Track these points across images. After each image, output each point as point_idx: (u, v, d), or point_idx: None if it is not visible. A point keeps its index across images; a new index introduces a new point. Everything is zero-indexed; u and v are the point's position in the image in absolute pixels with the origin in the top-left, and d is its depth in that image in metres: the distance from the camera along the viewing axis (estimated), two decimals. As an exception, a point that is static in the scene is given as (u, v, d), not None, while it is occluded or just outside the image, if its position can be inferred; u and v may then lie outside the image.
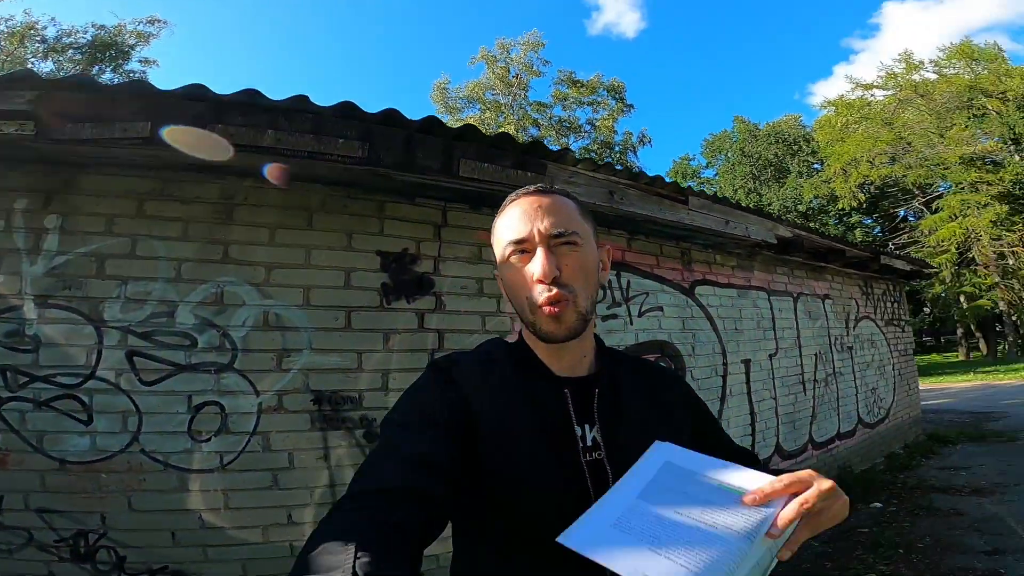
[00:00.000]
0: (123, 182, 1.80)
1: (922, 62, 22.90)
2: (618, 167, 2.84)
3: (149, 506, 1.67)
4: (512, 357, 0.74)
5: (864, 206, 24.39)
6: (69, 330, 1.67)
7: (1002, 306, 20.30)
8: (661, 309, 3.45)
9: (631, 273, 3.30)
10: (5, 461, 1.61)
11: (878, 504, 3.97)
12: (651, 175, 3.06)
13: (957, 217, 20.10)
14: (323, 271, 2.07)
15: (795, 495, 0.52)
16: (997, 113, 20.57)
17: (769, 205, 26.07)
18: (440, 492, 0.58)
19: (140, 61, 17.80)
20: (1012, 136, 20.58)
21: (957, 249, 20.25)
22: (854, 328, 5.81)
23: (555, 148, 2.55)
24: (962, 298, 21.39)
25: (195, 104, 1.63)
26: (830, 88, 65.23)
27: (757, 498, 0.52)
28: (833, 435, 4.94)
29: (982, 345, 23.74)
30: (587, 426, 0.69)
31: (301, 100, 1.75)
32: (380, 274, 2.19)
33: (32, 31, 16.27)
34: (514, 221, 0.71)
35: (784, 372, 4.48)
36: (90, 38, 16.96)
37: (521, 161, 2.32)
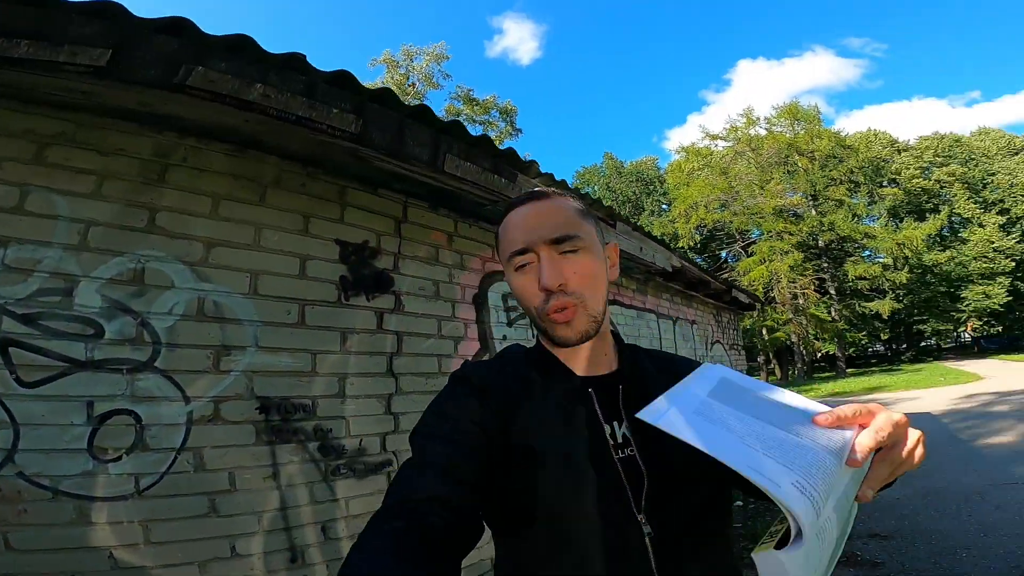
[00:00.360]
0: (22, 119, 1.31)
1: (759, 118, 27.83)
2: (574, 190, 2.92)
3: (33, 545, 1.20)
4: (532, 362, 0.74)
5: (698, 246, 28.62)
6: None
7: (794, 338, 25.19)
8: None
9: None
10: None
11: (739, 503, 4.60)
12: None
13: (765, 261, 24.59)
14: (274, 256, 1.73)
15: (864, 427, 0.49)
16: (805, 171, 25.80)
17: (627, 237, 29.13)
18: (472, 501, 0.59)
19: None
20: (813, 192, 25.97)
21: (764, 289, 24.74)
22: (710, 350, 6.74)
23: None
24: (764, 330, 26.06)
25: (171, 40, 1.26)
26: (683, 135, 75.96)
27: (830, 419, 0.48)
28: None
29: (777, 370, 29.18)
30: (615, 423, 0.69)
31: (298, 58, 1.47)
32: (339, 265, 1.91)
33: None
34: (514, 230, 0.70)
35: None
36: None
37: (496, 166, 2.25)
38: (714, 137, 28.09)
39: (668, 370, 0.76)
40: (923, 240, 26.04)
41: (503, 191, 2.27)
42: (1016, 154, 34.24)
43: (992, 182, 33.32)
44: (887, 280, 25.98)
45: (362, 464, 1.83)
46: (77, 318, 1.34)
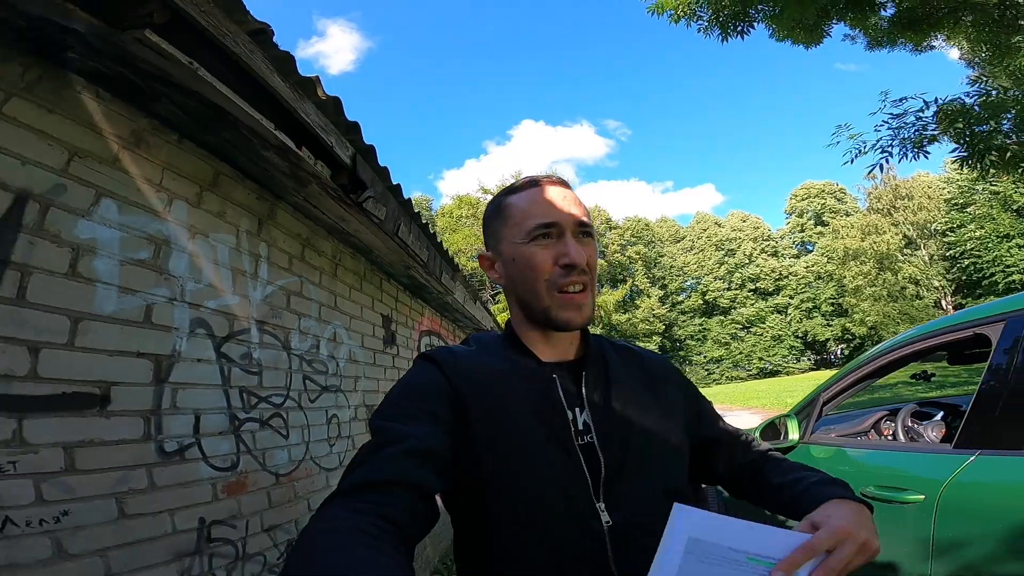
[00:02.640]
0: (294, 223, 2.28)
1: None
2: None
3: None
4: (500, 345, 0.79)
5: (459, 287, 32.57)
6: (275, 355, 2.02)
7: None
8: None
9: (439, 338, 4.97)
10: (245, 484, 1.74)
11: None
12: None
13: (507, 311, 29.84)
14: (365, 323, 2.92)
15: (829, 551, 0.53)
16: None
17: (393, 269, 31.14)
18: (432, 482, 0.61)
19: None
20: None
21: (507, 331, 29.78)
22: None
23: None
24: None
25: (394, 201, 2.53)
26: (459, 176, 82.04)
27: (785, 571, 0.51)
28: None
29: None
30: (577, 410, 0.72)
31: (440, 247, 2.81)
32: (381, 329, 3.17)
33: None
34: (542, 203, 0.75)
35: None
36: None
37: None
38: (486, 191, 32.89)
39: (633, 361, 0.83)
40: (613, 304, 35.68)
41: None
42: (678, 242, 50.20)
43: (661, 262, 47.89)
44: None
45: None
46: (321, 361, 2.38)
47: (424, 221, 3.08)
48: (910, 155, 4.46)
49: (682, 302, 47.94)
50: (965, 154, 4.42)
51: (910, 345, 1.95)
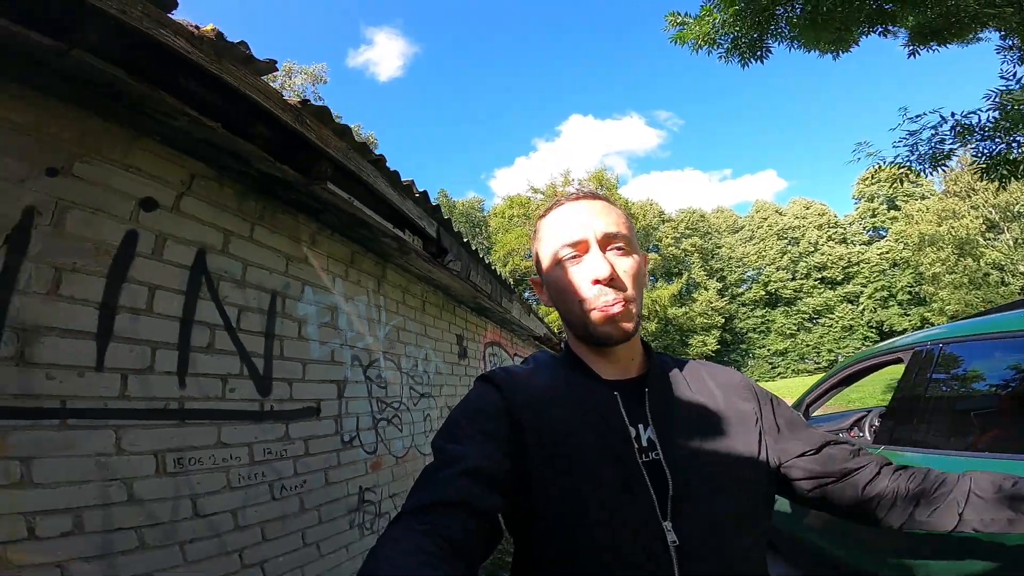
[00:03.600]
0: (398, 278, 3.20)
1: (574, 180, 33.96)
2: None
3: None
4: (560, 365, 0.79)
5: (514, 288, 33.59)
6: (393, 374, 2.96)
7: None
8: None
9: (501, 349, 5.84)
10: (380, 463, 2.68)
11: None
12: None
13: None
14: (445, 343, 3.82)
15: None
16: None
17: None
18: (492, 503, 0.61)
19: None
20: None
21: (558, 331, 30.41)
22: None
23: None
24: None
25: (464, 252, 3.43)
26: (510, 174, 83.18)
27: None
28: None
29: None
30: (641, 427, 0.71)
31: (507, 283, 3.67)
32: (456, 346, 4.07)
33: None
34: (567, 223, 0.75)
35: None
36: None
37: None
38: (536, 191, 33.74)
39: (699, 376, 0.81)
40: (668, 298, 35.50)
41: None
42: (736, 232, 49.00)
43: (718, 253, 46.91)
44: (642, 328, 34.62)
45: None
46: (421, 375, 3.29)
47: (488, 262, 3.94)
48: (927, 170, 4.82)
49: (742, 294, 46.74)
50: (984, 167, 4.76)
51: (861, 363, 2.59)
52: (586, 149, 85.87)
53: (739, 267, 47.38)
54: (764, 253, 46.67)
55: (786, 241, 46.37)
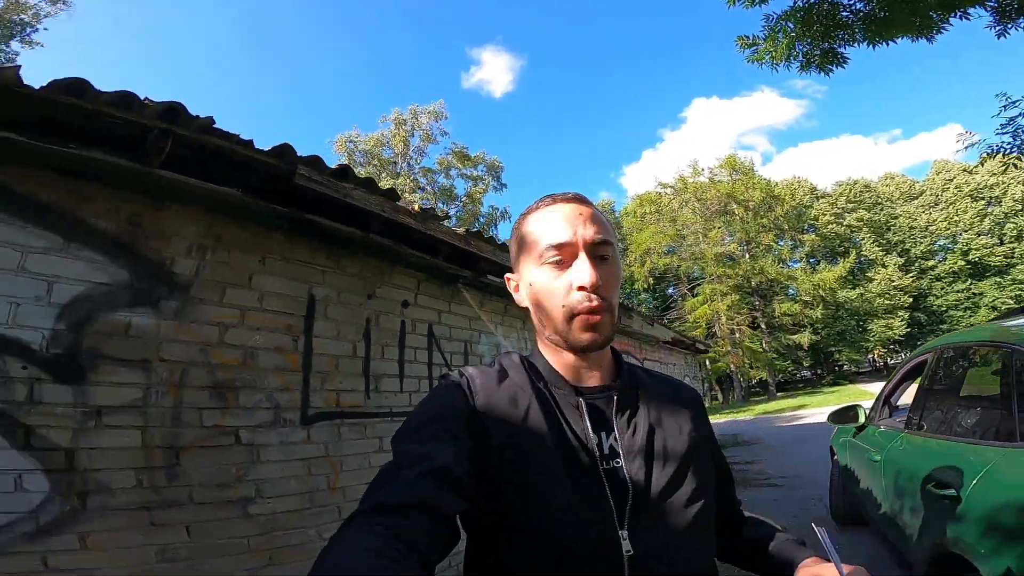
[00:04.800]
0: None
1: (703, 169, 33.12)
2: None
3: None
4: (527, 369, 0.79)
5: (650, 288, 33.53)
6: None
7: (732, 367, 30.28)
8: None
9: (629, 356, 6.92)
10: None
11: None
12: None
13: (708, 301, 29.62)
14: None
15: None
16: (741, 219, 30.98)
17: (588, 278, 33.61)
18: (453, 505, 0.61)
19: (24, 42, 15.68)
20: (747, 239, 31.27)
21: (707, 325, 29.69)
22: (684, 379, 10.56)
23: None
24: (707, 361, 30.94)
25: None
26: (638, 170, 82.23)
27: None
28: None
29: (719, 395, 34.30)
30: (603, 434, 0.72)
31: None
32: None
33: None
34: (555, 224, 0.74)
35: None
36: None
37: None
38: (664, 185, 33.43)
39: (664, 389, 0.83)
40: (835, 281, 32.30)
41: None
42: (914, 199, 42.48)
43: (894, 225, 41.07)
44: (805, 316, 31.80)
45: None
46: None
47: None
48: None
49: (934, 267, 40.09)
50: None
51: (912, 361, 3.27)
52: (716, 132, 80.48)
53: (924, 237, 40.81)
54: (956, 218, 39.62)
55: (983, 202, 38.87)
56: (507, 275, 0.85)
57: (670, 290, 36.65)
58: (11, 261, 1.75)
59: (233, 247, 2.32)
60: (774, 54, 5.01)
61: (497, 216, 28.05)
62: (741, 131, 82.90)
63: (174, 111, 1.92)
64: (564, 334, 0.73)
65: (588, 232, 0.73)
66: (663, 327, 8.32)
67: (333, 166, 2.45)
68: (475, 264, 3.44)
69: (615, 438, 0.72)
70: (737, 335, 29.54)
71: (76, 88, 1.72)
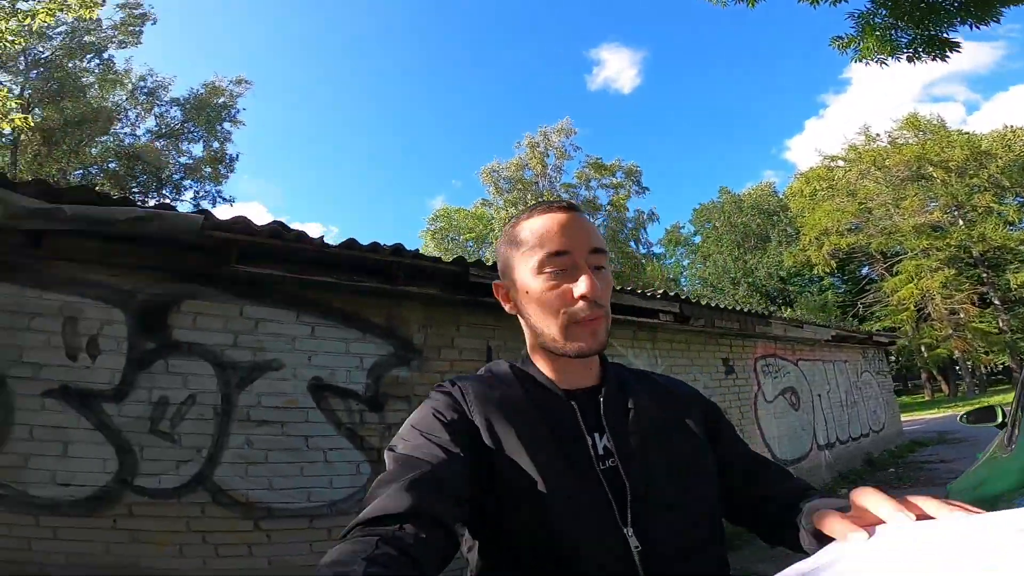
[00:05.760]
0: (666, 335, 5.50)
1: (878, 135, 28.88)
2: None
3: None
4: (517, 375, 0.81)
5: (835, 271, 29.96)
6: None
7: (957, 353, 25.52)
8: (789, 372, 7.40)
9: (779, 359, 7.26)
10: None
11: (892, 469, 7.92)
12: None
13: (914, 279, 25.48)
14: (711, 365, 5.86)
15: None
16: (942, 182, 26.16)
17: (755, 271, 31.48)
18: (451, 514, 0.61)
19: (230, 122, 20.35)
20: (956, 203, 26.23)
21: (915, 307, 25.59)
22: (860, 377, 10.01)
23: None
24: (923, 348, 26.55)
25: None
26: (804, 142, 73.78)
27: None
28: (858, 435, 9.05)
29: (944, 386, 29.07)
30: (597, 435, 0.74)
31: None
32: (723, 365, 6.00)
33: (127, 79, 18.39)
34: (556, 231, 0.75)
35: (831, 401, 8.57)
36: (187, 95, 19.67)
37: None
38: (833, 159, 29.86)
39: (651, 385, 0.84)
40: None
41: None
42: None
43: None
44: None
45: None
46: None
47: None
48: None
49: None
50: None
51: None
52: (892, 89, 67.30)
53: None
54: None
55: None
56: (496, 283, 0.86)
57: (864, 270, 32.25)
58: (342, 348, 3.42)
59: (441, 323, 3.85)
60: (877, 48, 4.60)
61: (644, 220, 28.17)
62: (928, 82, 68.25)
63: (399, 250, 3.47)
64: (562, 341, 0.73)
65: (586, 242, 0.74)
66: (821, 327, 8.32)
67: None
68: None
69: (608, 438, 0.73)
70: (961, 315, 24.90)
71: (348, 244, 3.35)
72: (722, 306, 6.15)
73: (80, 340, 2.72)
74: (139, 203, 3.13)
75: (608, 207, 27.29)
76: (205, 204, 19.32)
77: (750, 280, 31.93)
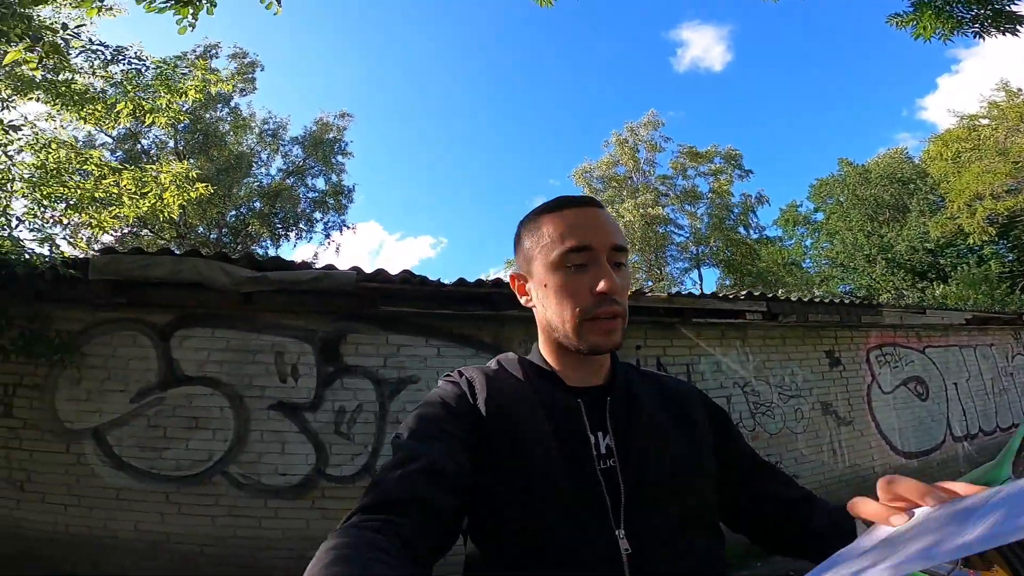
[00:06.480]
0: (758, 332, 5.77)
1: (1019, 89, 24.87)
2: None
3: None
4: (525, 369, 0.82)
5: (995, 238, 26.00)
6: (763, 387, 5.59)
7: None
8: (913, 361, 7.10)
9: (900, 348, 7.02)
10: (757, 436, 5.37)
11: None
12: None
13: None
14: (812, 359, 5.99)
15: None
16: None
17: (894, 245, 28.29)
18: (449, 503, 0.62)
19: (342, 153, 22.19)
20: None
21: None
22: (1012, 361, 9.04)
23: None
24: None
25: None
26: (938, 100, 64.11)
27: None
28: (1008, 425, 8.38)
29: None
30: (600, 434, 0.74)
31: None
32: (826, 358, 6.10)
33: (253, 123, 20.64)
34: (578, 226, 0.75)
35: (971, 389, 7.94)
36: (303, 133, 21.82)
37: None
38: (972, 118, 26.05)
39: (658, 387, 0.85)
40: None
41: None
42: None
43: None
44: None
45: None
46: (786, 384, 5.69)
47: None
48: None
49: None
50: None
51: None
52: None
53: None
54: None
55: None
56: (512, 274, 0.86)
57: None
58: (461, 363, 4.28)
59: (536, 338, 4.58)
60: (936, 25, 4.39)
61: (752, 203, 26.67)
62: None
63: (498, 282, 4.27)
64: (577, 336, 0.73)
65: (608, 238, 0.74)
66: (948, 310, 7.80)
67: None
68: (680, 313, 5.02)
69: (611, 438, 0.74)
70: None
71: (459, 283, 4.21)
72: (818, 299, 6.18)
73: (286, 368, 3.87)
74: (311, 263, 4.26)
75: (710, 195, 26.26)
76: (333, 233, 21.51)
77: (888, 256, 28.70)
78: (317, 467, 3.81)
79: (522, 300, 0.84)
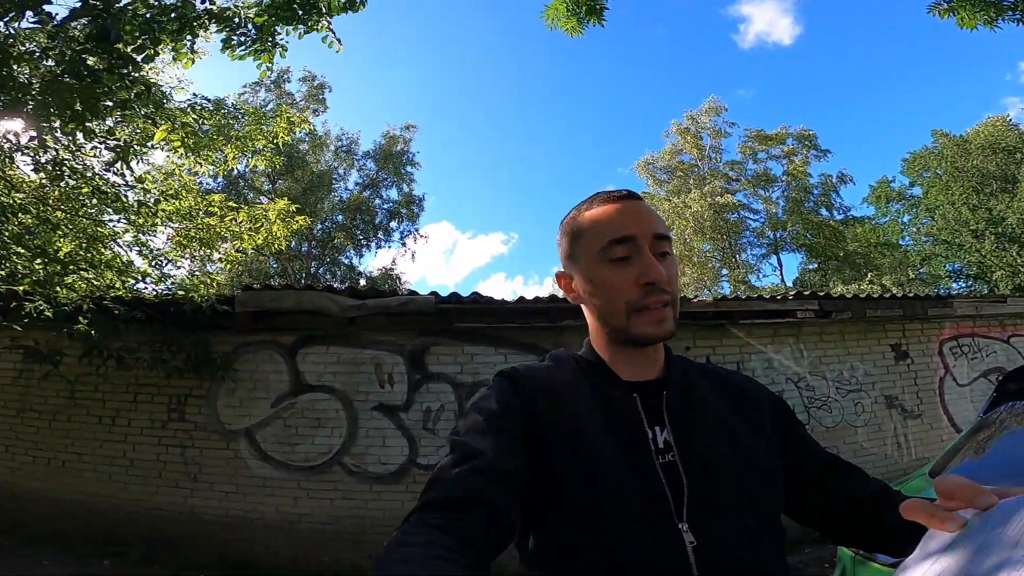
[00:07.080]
0: (814, 329, 5.99)
1: None
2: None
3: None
4: (579, 364, 0.82)
5: None
6: (819, 382, 5.81)
7: None
8: (995, 352, 6.89)
9: (979, 338, 6.86)
10: (811, 431, 5.67)
11: None
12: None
13: None
14: (876, 353, 6.09)
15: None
16: None
17: (1005, 219, 25.66)
18: (507, 500, 0.62)
19: (410, 164, 23.31)
20: None
21: None
22: None
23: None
24: None
25: None
26: None
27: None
28: None
29: None
30: (658, 428, 0.73)
31: None
32: (891, 352, 6.17)
33: (328, 141, 22.01)
34: (618, 218, 0.76)
35: None
36: (373, 147, 23.05)
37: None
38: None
39: (717, 380, 0.83)
40: None
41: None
42: None
43: None
44: None
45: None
46: (845, 379, 5.87)
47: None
48: None
49: None
50: None
51: None
52: None
53: None
54: None
55: None
56: (558, 272, 0.86)
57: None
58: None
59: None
60: (974, 14, 4.26)
61: (832, 183, 25.15)
62: None
63: (554, 298, 4.89)
64: (627, 329, 0.74)
65: (650, 228, 0.75)
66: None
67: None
68: (729, 316, 5.38)
69: (669, 432, 0.73)
70: None
71: (520, 300, 4.92)
72: (876, 295, 6.23)
73: (384, 376, 4.77)
74: (396, 289, 5.10)
75: (784, 177, 25.07)
76: (408, 240, 22.87)
77: (998, 231, 25.97)
78: (410, 457, 4.66)
79: (570, 298, 0.85)
